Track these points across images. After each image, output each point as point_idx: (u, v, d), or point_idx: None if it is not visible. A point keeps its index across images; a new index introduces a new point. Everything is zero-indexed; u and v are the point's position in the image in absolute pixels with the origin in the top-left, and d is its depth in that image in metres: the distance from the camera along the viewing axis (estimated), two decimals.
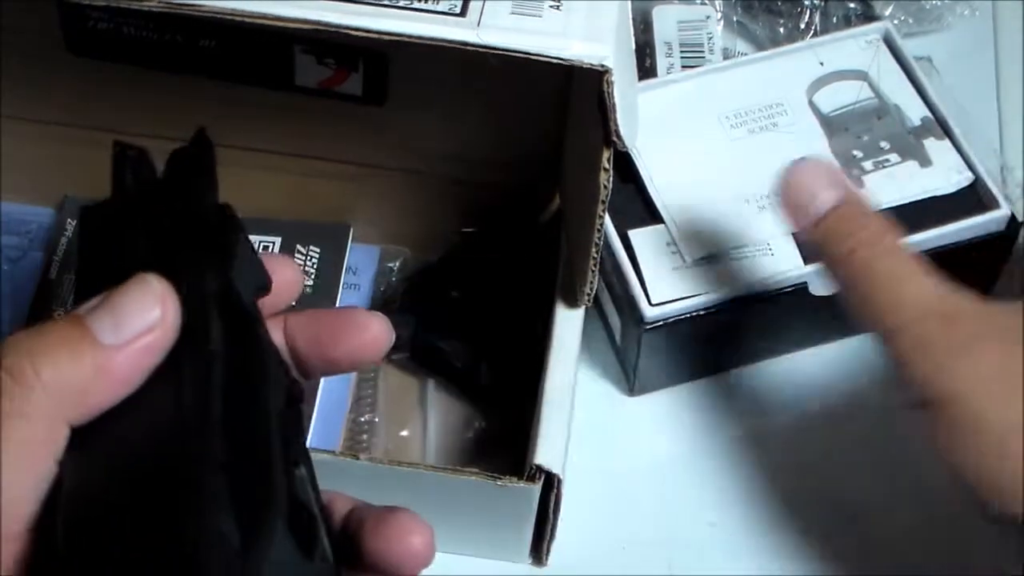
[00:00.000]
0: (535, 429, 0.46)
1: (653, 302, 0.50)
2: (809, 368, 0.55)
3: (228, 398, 0.30)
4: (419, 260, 0.57)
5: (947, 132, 0.53)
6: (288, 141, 0.55)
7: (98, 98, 0.55)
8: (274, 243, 0.56)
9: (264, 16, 0.38)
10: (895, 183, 0.52)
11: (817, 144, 0.53)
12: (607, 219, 0.50)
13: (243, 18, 0.38)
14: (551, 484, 0.45)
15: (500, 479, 0.44)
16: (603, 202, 0.43)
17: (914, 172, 0.52)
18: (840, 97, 0.55)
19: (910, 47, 0.56)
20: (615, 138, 0.40)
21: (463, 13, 0.38)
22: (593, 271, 0.46)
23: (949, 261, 0.49)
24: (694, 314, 0.50)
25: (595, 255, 0.45)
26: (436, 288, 0.55)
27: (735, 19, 0.63)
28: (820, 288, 0.50)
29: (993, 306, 0.41)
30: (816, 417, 0.54)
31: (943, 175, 0.52)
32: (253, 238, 0.56)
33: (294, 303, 0.37)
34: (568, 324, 0.49)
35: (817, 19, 0.62)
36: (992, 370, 0.39)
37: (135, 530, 0.29)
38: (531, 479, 0.45)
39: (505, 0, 0.39)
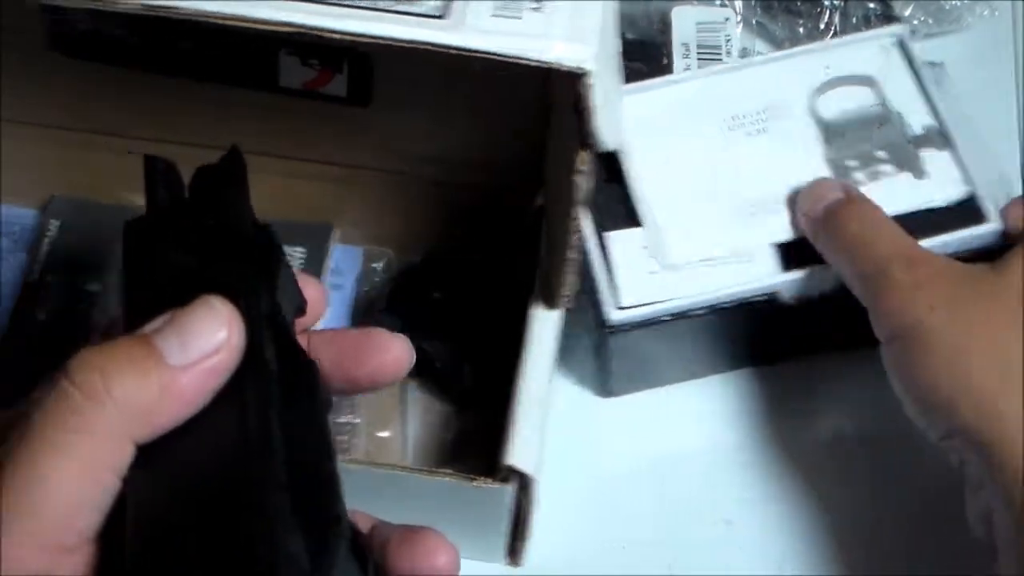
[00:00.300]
0: (509, 430, 0.46)
1: (623, 305, 0.49)
2: (789, 382, 0.55)
3: (285, 420, 0.31)
4: (403, 261, 0.58)
5: (948, 143, 0.52)
6: (273, 142, 0.55)
7: (81, 99, 0.55)
8: None
9: (244, 19, 0.38)
10: (887, 195, 0.51)
11: (813, 150, 0.53)
12: (587, 219, 0.50)
13: (222, 20, 0.38)
14: (526, 485, 0.45)
15: (475, 480, 0.45)
16: (579, 204, 0.43)
17: (908, 184, 0.52)
18: (843, 103, 0.54)
19: (929, 48, 0.56)
20: (592, 140, 0.40)
21: (444, 15, 0.38)
22: (570, 273, 0.46)
23: None
24: (665, 318, 0.50)
25: (572, 257, 0.45)
26: (418, 289, 0.55)
27: (754, 19, 0.63)
28: (796, 297, 0.50)
29: (951, 259, 0.47)
30: (796, 430, 0.54)
31: (937, 187, 0.51)
32: None
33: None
34: (545, 325, 0.49)
35: (836, 19, 0.62)
36: (946, 300, 0.44)
37: (205, 549, 0.29)
38: (504, 480, 0.45)
39: (487, 1, 0.39)
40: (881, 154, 0.52)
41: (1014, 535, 0.41)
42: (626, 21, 0.62)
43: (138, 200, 0.56)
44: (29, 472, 0.29)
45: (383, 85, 0.54)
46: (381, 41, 0.38)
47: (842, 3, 0.61)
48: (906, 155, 0.52)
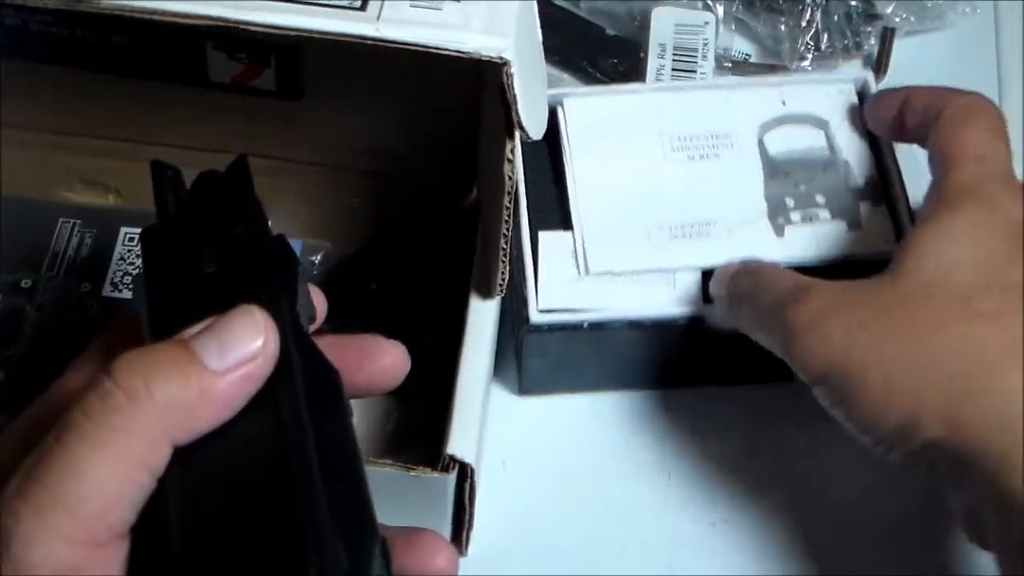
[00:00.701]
0: (449, 420, 0.46)
1: (541, 307, 0.49)
2: (701, 406, 0.54)
3: (316, 426, 0.32)
4: (340, 253, 0.58)
5: (888, 199, 0.52)
6: (204, 137, 0.55)
7: (9, 96, 0.54)
8: None
9: (162, 12, 0.37)
10: (816, 240, 0.51)
11: (753, 183, 0.52)
12: (524, 215, 0.51)
13: (140, 14, 0.37)
14: (465, 474, 0.46)
15: (414, 470, 0.45)
16: (509, 193, 0.43)
17: (839, 233, 0.51)
18: (791, 141, 0.53)
19: (911, 45, 0.55)
20: (518, 129, 0.40)
21: (363, 7, 0.38)
22: (503, 262, 0.46)
23: None
24: (583, 326, 0.49)
25: (504, 246, 0.45)
26: (355, 280, 0.55)
27: (735, 17, 0.63)
28: (716, 327, 0.50)
29: (842, 283, 0.44)
30: (704, 454, 0.54)
31: (867, 241, 0.51)
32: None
33: None
34: (482, 315, 0.49)
35: (819, 17, 0.61)
36: (852, 328, 0.42)
37: (252, 549, 0.30)
38: (444, 469, 0.45)
39: None
40: (820, 198, 0.52)
41: (1006, 532, 0.40)
42: (607, 17, 0.62)
43: (67, 196, 0.57)
44: (66, 467, 0.30)
45: (314, 79, 0.53)
46: (300, 33, 0.38)
47: (824, 1, 0.61)
48: (844, 203, 0.52)
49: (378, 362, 0.38)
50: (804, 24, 0.62)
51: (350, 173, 0.57)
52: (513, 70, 0.38)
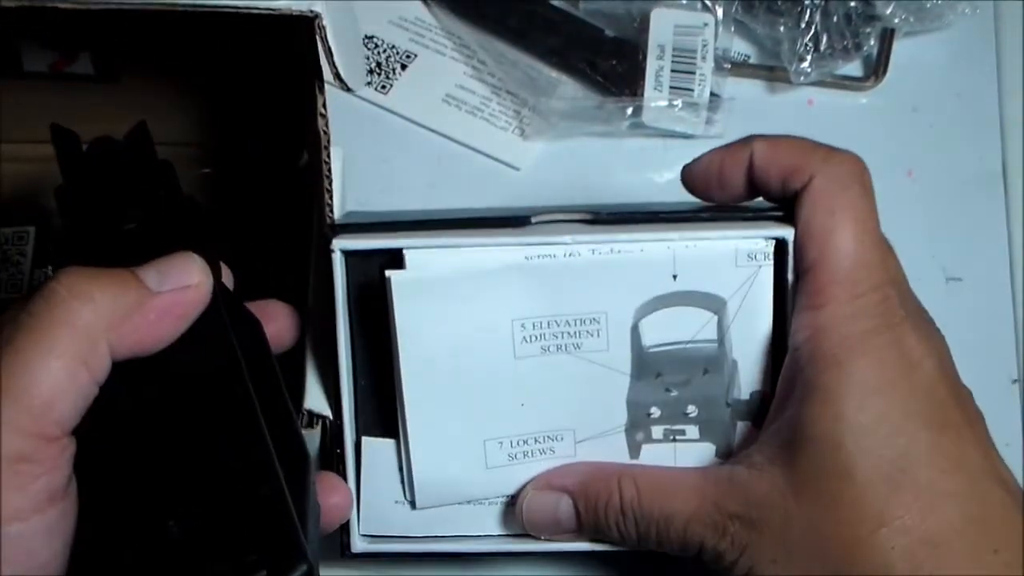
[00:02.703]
0: (305, 376, 0.47)
1: (363, 532, 0.43)
2: None
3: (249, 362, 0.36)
4: None
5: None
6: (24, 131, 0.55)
7: None
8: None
9: None
10: (677, 462, 0.43)
11: (616, 386, 0.42)
12: (349, 419, 0.43)
13: None
14: (327, 426, 0.46)
15: None
16: (326, 148, 0.44)
17: (703, 459, 0.42)
18: (673, 329, 0.42)
19: (910, 46, 0.54)
20: (336, 80, 0.41)
21: None
22: (329, 216, 0.47)
23: None
24: (406, 552, 0.43)
25: (329, 201, 0.46)
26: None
27: (735, 18, 0.61)
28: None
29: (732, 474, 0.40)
30: None
31: None
32: (7, 230, 0.56)
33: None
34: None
35: (818, 18, 0.60)
36: (761, 564, 0.38)
37: (199, 456, 0.34)
38: (309, 426, 0.46)
39: None
40: (691, 410, 0.42)
41: None
42: (606, 18, 0.61)
43: None
44: (13, 360, 0.32)
45: (133, 62, 0.53)
46: (110, 6, 0.38)
47: (823, 2, 0.60)
48: (718, 421, 0.42)
49: (276, 323, 0.40)
50: (803, 25, 0.60)
51: (177, 151, 0.57)
52: (325, 23, 0.39)
